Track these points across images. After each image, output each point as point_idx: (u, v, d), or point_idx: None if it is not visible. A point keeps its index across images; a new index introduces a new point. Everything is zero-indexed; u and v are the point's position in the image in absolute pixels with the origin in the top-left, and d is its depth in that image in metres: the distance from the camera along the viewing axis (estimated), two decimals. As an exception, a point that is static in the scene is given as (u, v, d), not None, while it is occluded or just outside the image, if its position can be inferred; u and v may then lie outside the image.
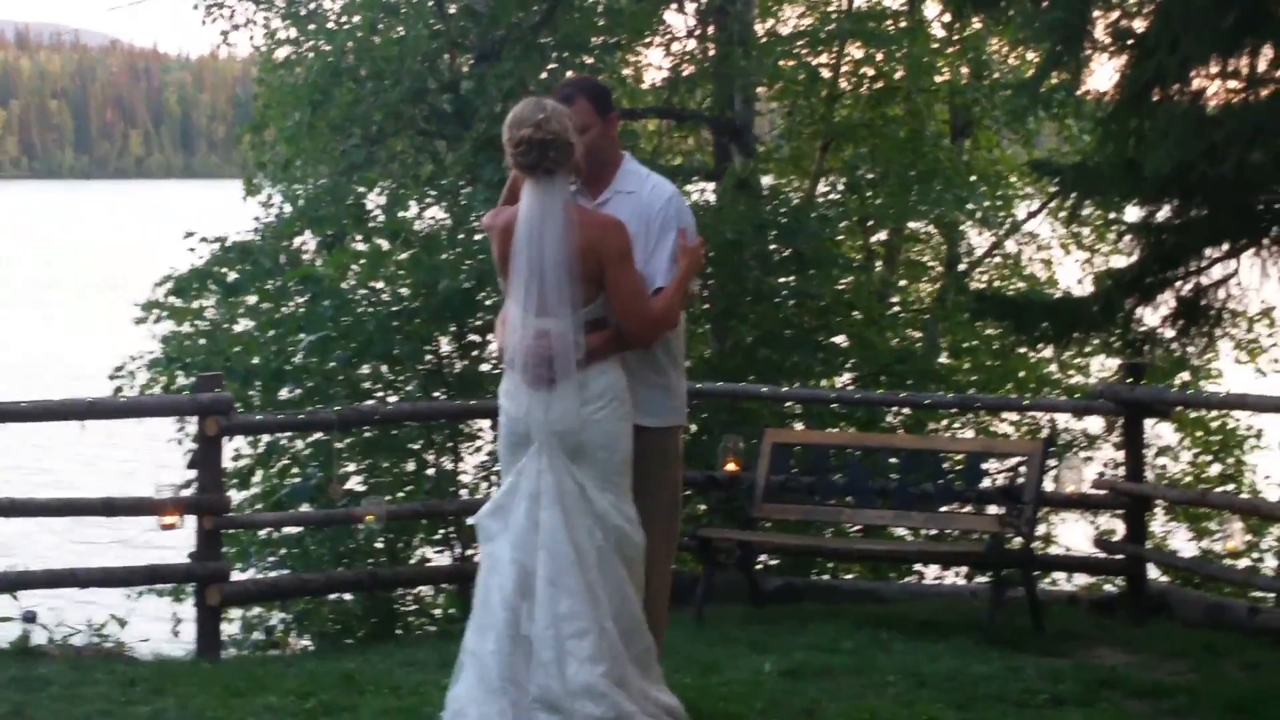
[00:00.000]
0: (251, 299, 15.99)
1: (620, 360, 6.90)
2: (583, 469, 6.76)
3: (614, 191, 7.11)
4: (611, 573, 6.75)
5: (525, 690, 6.68)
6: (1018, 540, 10.44)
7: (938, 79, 21.88)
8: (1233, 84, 11.25)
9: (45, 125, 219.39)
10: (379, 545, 14.01)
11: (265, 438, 14.50)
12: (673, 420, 7.18)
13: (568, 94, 7.11)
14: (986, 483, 11.31)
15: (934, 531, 12.10)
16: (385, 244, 15.37)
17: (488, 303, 14.30)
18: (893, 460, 11.67)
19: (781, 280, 16.71)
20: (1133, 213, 12.70)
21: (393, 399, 14.59)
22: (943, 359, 19.64)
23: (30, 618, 10.47)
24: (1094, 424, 18.83)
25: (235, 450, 14.72)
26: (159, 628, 13.44)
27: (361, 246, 15.54)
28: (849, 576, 15.06)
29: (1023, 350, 18.60)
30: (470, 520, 8.00)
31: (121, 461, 23.93)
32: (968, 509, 11.21)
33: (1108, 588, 14.00)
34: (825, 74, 21.86)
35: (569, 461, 6.75)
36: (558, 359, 6.74)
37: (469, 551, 13.69)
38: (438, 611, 14.61)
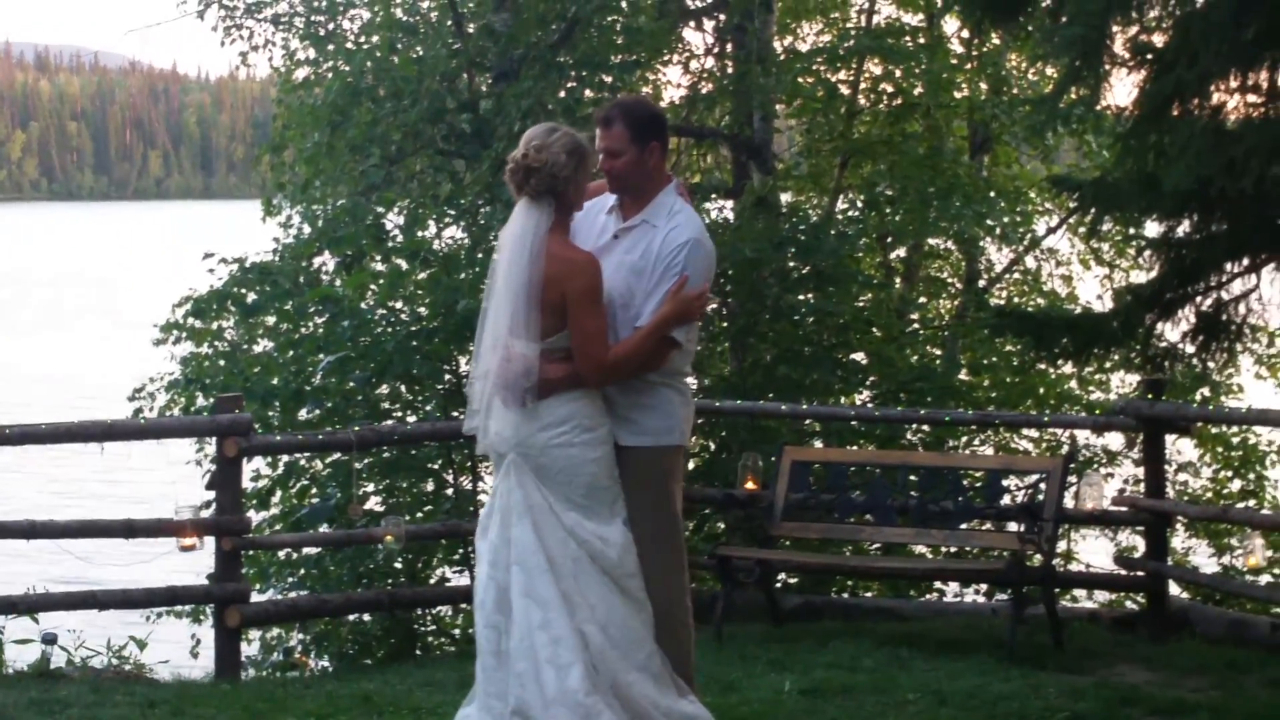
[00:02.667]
0: (270, 320, 16.04)
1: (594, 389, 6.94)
2: (547, 488, 6.86)
3: (641, 220, 7.04)
4: (591, 581, 6.82)
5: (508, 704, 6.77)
6: (1038, 557, 10.42)
7: (956, 95, 21.88)
8: (1252, 98, 11.25)
9: (65, 147, 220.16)
10: (398, 565, 14.04)
11: (284, 458, 14.53)
12: (659, 440, 7.02)
13: (609, 116, 7.06)
14: (1006, 500, 11.29)
15: (954, 549, 12.09)
16: (404, 264, 15.40)
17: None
18: (912, 478, 11.63)
19: (800, 298, 16.70)
20: (1152, 228, 12.69)
21: (412, 419, 14.60)
22: (962, 376, 19.61)
23: (50, 640, 10.48)
24: (1114, 440, 18.81)
25: (254, 471, 14.75)
26: (178, 649, 13.48)
27: (380, 266, 15.57)
28: (868, 594, 15.04)
29: (1042, 366, 18.54)
30: None
31: (140, 483, 23.94)
32: (987, 526, 11.20)
33: (1129, 604, 13.97)
34: (844, 91, 21.88)
35: (536, 479, 6.87)
36: (513, 382, 6.85)
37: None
38: (457, 631, 14.61)
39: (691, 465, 16.53)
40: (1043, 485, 10.77)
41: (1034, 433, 19.21)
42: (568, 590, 6.79)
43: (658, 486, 7.01)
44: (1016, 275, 23.43)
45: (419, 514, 14.27)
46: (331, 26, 20.81)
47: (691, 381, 7.34)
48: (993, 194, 21.88)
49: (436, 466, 14.52)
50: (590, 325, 6.82)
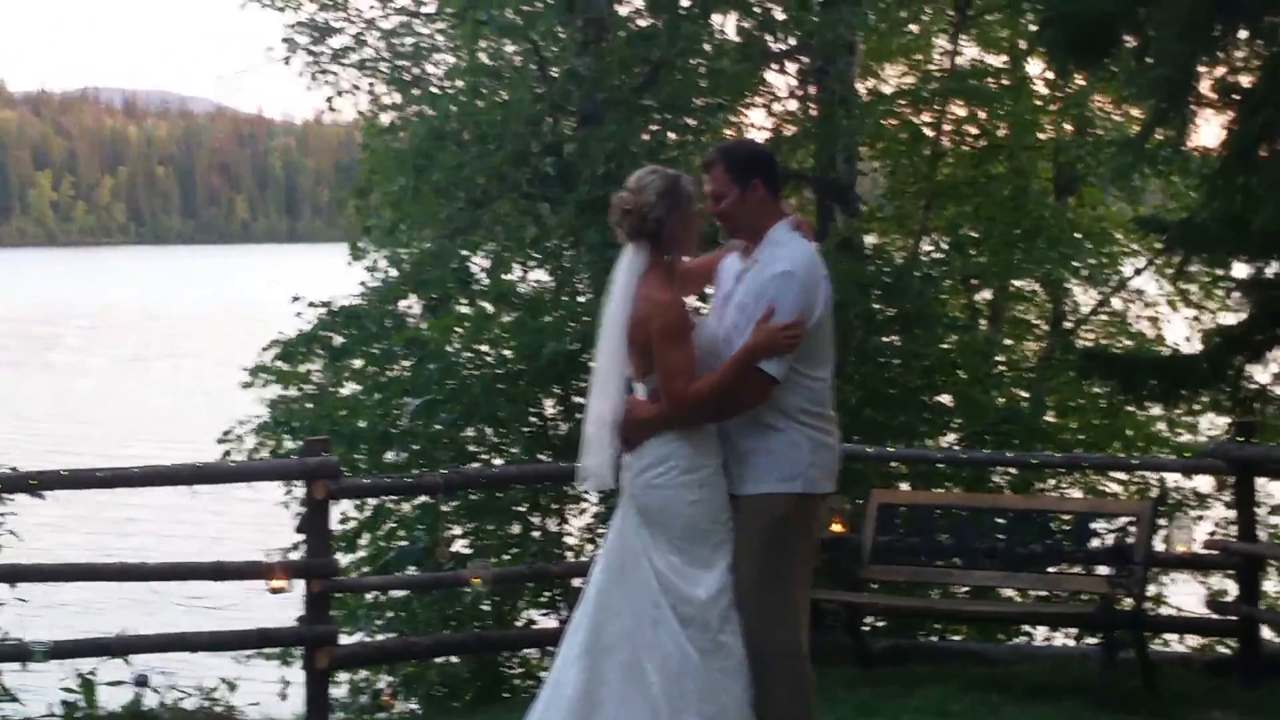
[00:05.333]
0: (357, 363, 16.12)
1: (702, 427, 6.91)
2: (651, 532, 6.90)
3: (754, 260, 7.05)
4: (668, 630, 6.79)
5: None
6: (1128, 601, 10.35)
7: (1041, 136, 21.81)
8: (1341, 138, 11.19)
9: (153, 191, 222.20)
10: (485, 608, 14.05)
11: (372, 501, 14.58)
12: (775, 488, 6.89)
13: (710, 160, 7.10)
14: (1095, 543, 11.20)
15: (1043, 592, 12.02)
16: (489, 307, 15.46)
17: (591, 365, 14.35)
18: (1000, 520, 11.56)
19: (886, 340, 16.68)
20: (1240, 269, 12.64)
21: (498, 462, 14.64)
22: (1049, 418, 19.49)
23: (142, 681, 10.56)
24: (1204, 483, 18.65)
25: (342, 513, 14.82)
26: (268, 691, 13.52)
27: (466, 310, 15.64)
28: (957, 638, 14.96)
29: (1130, 409, 18.43)
30: None
31: (230, 525, 24.12)
32: (1076, 569, 11.13)
33: (1221, 649, 13.84)
34: (928, 133, 21.83)
35: (640, 519, 6.94)
36: (615, 423, 7.05)
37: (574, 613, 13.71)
38: (544, 674, 14.60)
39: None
40: (1132, 528, 10.70)
41: (1122, 475, 19.06)
42: (612, 645, 6.84)
43: (765, 535, 6.86)
44: (1103, 317, 23.26)
45: (506, 556, 14.30)
46: (417, 71, 20.94)
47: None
48: (1078, 235, 21.79)
49: (523, 509, 14.55)
50: (670, 361, 6.85)
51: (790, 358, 6.88)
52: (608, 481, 7.06)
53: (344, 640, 11.41)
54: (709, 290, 7.48)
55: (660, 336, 6.87)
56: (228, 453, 16.96)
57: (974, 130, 22.04)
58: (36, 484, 10.43)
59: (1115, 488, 19.18)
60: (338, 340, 16.14)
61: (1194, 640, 14.76)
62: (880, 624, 14.07)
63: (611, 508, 13.74)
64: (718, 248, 7.44)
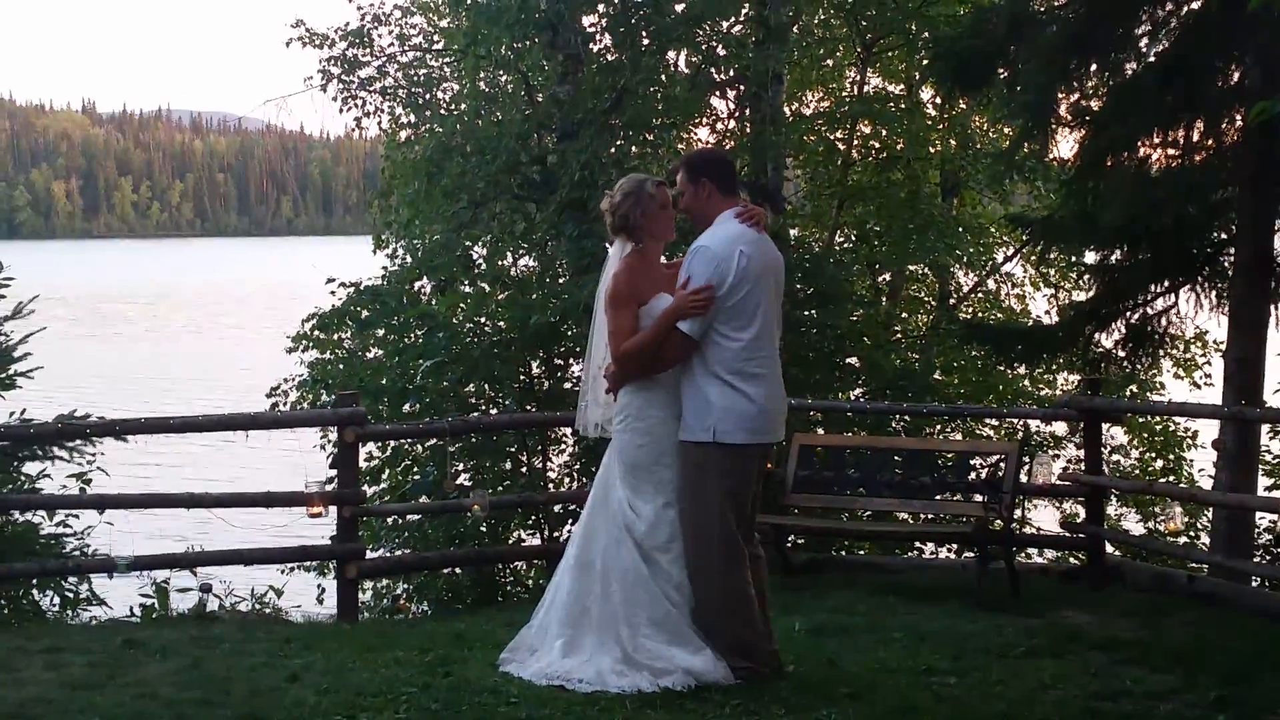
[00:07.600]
0: (380, 332, 16.07)
1: (654, 383, 6.89)
2: (617, 468, 6.99)
3: None
4: (628, 548, 6.87)
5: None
6: (999, 522, 10.38)
7: (931, 150, 21.84)
8: (1172, 152, 11.23)
9: (214, 194, 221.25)
10: (483, 529, 14.04)
11: (392, 443, 14.55)
12: (694, 435, 6.81)
13: (675, 167, 7.13)
14: (973, 476, 11.23)
15: (931, 516, 12.03)
16: (487, 287, 15.41)
17: (570, 334, 14.33)
18: (897, 458, 11.58)
19: (805, 313, 16.67)
20: (1090, 257, 12.66)
21: (494, 412, 14.63)
22: (936, 376, 19.56)
23: (206, 589, 10.52)
24: (1060, 428, 18.75)
25: (368, 453, 14.78)
26: (307, 597, 13.49)
27: (468, 289, 15.58)
28: (862, 553, 15.00)
29: (1001, 368, 18.53)
30: None
31: (275, 462, 24.01)
32: (958, 497, 11.15)
33: (1072, 561, 13.91)
34: (840, 146, 21.86)
35: (613, 460, 7.03)
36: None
37: (555, 533, 13.71)
38: (530, 582, 14.62)
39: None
40: (1002, 464, 10.72)
41: (995, 422, 19.17)
42: (593, 559, 6.92)
43: (689, 476, 6.84)
44: (980, 295, 23.36)
45: (500, 488, 14.28)
46: (428, 97, 20.86)
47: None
48: (960, 229, 21.84)
49: (514, 449, 14.53)
50: (610, 325, 6.87)
51: (705, 319, 6.76)
52: (606, 428, 7.14)
53: (369, 555, 11.37)
54: None
55: (606, 303, 6.89)
56: (275, 405, 16.91)
57: (877, 144, 22.08)
58: (121, 430, 10.40)
59: (989, 432, 19.28)
60: (364, 314, 16.05)
61: (1051, 554, 14.84)
62: (800, 541, 14.08)
63: (585, 449, 13.78)
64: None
